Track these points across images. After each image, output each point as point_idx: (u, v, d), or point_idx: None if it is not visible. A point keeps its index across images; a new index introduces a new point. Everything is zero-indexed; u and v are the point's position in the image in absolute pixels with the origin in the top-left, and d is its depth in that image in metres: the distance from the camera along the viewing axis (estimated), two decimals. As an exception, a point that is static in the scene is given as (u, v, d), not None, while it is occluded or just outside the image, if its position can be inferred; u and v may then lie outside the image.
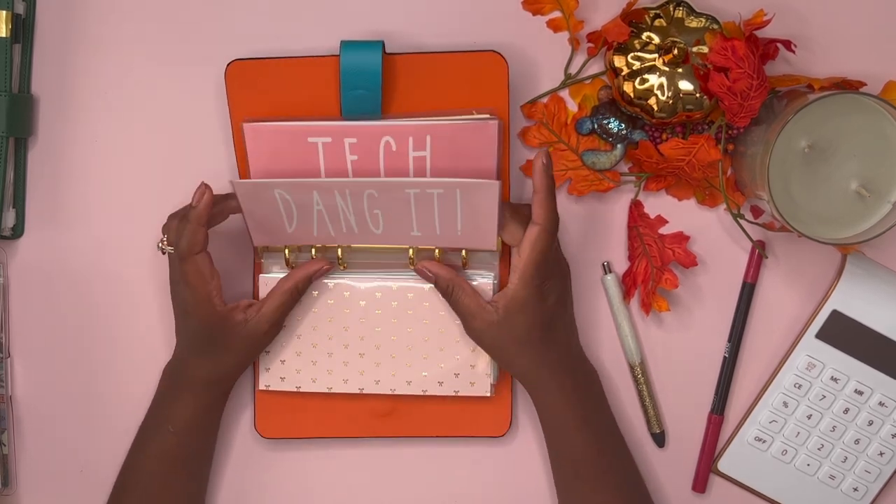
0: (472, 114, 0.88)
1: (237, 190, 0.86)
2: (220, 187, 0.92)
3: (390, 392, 0.91)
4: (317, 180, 0.85)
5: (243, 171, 0.90)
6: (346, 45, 0.87)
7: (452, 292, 0.87)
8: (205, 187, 0.85)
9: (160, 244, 0.87)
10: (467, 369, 0.91)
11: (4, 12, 0.90)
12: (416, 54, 0.88)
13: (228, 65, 0.88)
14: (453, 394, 0.91)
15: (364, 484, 0.96)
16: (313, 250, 0.90)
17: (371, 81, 0.87)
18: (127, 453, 0.91)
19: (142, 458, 0.90)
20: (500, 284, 0.90)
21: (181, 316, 0.88)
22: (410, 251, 0.89)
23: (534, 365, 0.87)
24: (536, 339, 0.86)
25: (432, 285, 0.90)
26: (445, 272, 0.88)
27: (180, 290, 0.87)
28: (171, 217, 0.88)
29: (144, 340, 0.94)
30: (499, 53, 0.87)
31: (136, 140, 0.94)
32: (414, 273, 0.90)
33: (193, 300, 0.86)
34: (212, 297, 0.87)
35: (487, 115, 0.87)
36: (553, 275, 0.87)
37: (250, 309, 0.88)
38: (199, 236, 0.85)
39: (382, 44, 0.87)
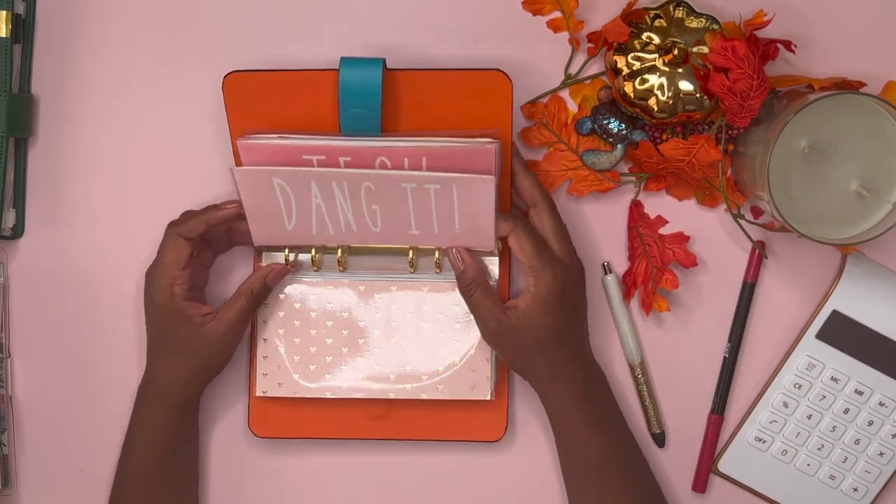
0: (475, 136, 0.86)
1: (237, 178, 0.85)
2: (220, 187, 0.92)
3: (389, 396, 0.91)
4: (314, 170, 0.85)
5: None
6: (345, 62, 0.85)
7: (475, 291, 0.87)
8: (238, 206, 0.87)
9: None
10: (467, 373, 0.91)
11: (4, 12, 0.90)
12: (419, 71, 0.86)
13: (225, 76, 0.87)
14: (452, 397, 0.91)
15: (357, 485, 0.95)
16: (313, 250, 0.90)
17: (370, 101, 0.85)
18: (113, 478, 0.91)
19: (124, 481, 0.90)
20: (500, 288, 0.90)
21: (148, 301, 0.88)
22: (410, 253, 0.89)
23: (552, 367, 0.87)
24: (556, 340, 0.86)
25: (430, 288, 0.90)
26: (475, 267, 0.87)
27: (153, 271, 0.88)
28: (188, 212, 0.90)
29: (144, 340, 0.94)
30: (503, 73, 0.85)
31: (137, 140, 0.93)
32: (413, 276, 0.90)
33: (158, 282, 0.87)
34: (174, 285, 0.87)
35: (487, 140, 0.85)
36: (571, 271, 0.87)
37: (210, 314, 0.89)
38: (198, 227, 0.87)
39: (383, 62, 0.85)
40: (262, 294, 0.89)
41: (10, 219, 0.93)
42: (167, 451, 0.90)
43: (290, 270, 0.90)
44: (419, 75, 0.86)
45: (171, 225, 0.88)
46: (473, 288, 0.87)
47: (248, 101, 0.87)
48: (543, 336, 0.86)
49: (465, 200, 0.85)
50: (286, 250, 0.90)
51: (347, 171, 0.85)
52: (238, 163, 0.88)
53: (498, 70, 0.85)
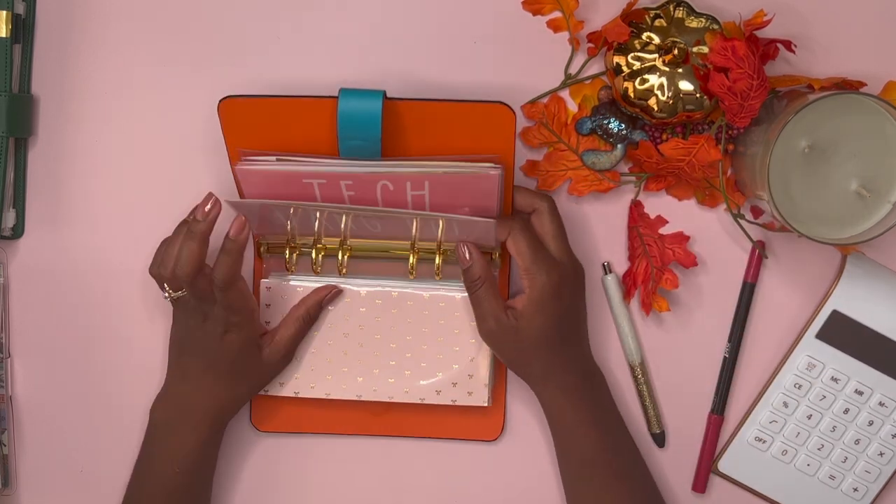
0: (478, 161, 0.84)
1: (234, 208, 0.85)
2: (220, 186, 0.92)
3: (388, 399, 0.91)
4: (314, 205, 0.85)
5: (240, 188, 0.88)
6: (344, 93, 0.83)
7: (480, 287, 0.87)
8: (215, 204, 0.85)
9: (167, 294, 0.86)
10: (465, 379, 0.91)
11: (4, 12, 0.90)
12: (420, 101, 0.84)
13: (221, 101, 0.84)
14: (450, 403, 0.91)
15: (356, 480, 0.96)
16: (314, 253, 0.90)
17: (370, 132, 0.83)
18: (126, 489, 0.90)
19: (140, 496, 0.89)
20: (499, 289, 0.90)
21: (217, 336, 0.86)
22: (411, 259, 0.89)
23: (548, 366, 0.87)
24: (552, 339, 0.86)
25: (432, 293, 0.90)
26: (483, 263, 0.87)
27: (220, 316, 0.85)
28: (159, 267, 0.86)
29: (144, 340, 0.94)
30: (506, 105, 0.83)
31: (137, 140, 0.93)
32: (414, 282, 0.90)
33: (242, 318, 0.86)
34: (255, 314, 0.88)
35: (490, 165, 0.84)
36: (567, 272, 0.87)
37: (265, 336, 0.89)
38: (239, 265, 0.85)
39: (383, 94, 0.83)
40: (316, 316, 0.90)
41: (10, 219, 0.93)
42: (192, 474, 0.88)
43: (343, 295, 0.91)
44: (420, 106, 0.84)
45: (216, 280, 0.84)
46: (479, 283, 0.87)
47: (245, 126, 0.85)
48: (539, 337, 0.86)
49: (466, 233, 0.86)
50: (287, 252, 0.90)
51: (348, 207, 0.85)
52: (238, 185, 0.87)
53: (501, 103, 0.83)
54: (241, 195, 0.87)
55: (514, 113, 0.83)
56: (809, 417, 0.92)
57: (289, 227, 0.88)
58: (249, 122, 0.85)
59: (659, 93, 0.87)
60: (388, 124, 0.84)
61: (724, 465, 0.94)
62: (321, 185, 0.85)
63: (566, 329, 0.87)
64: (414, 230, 0.87)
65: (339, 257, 0.90)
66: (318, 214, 0.87)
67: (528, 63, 0.92)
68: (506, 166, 0.85)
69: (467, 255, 0.87)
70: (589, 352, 0.91)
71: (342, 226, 0.88)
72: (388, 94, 0.83)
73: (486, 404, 0.91)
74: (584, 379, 0.89)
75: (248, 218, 0.87)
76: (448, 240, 0.89)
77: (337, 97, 0.83)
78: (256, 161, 0.85)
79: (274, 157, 0.85)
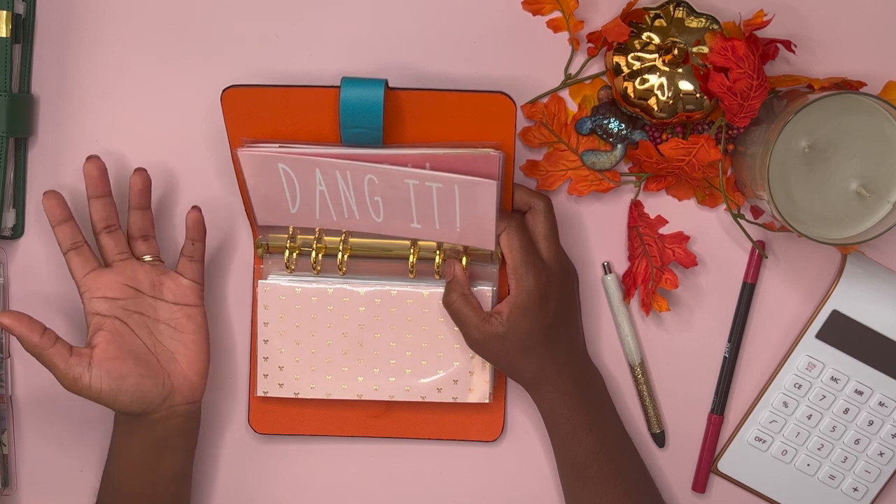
0: (479, 147, 0.85)
1: (242, 161, 0.85)
2: (221, 186, 0.92)
3: (389, 398, 0.92)
4: (318, 158, 0.84)
5: (241, 183, 0.88)
6: (347, 82, 0.84)
7: (455, 300, 0.87)
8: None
9: None
10: (466, 376, 0.91)
11: (4, 12, 0.90)
12: (422, 91, 0.84)
13: (224, 91, 0.85)
14: (452, 400, 0.91)
15: (355, 482, 0.95)
16: (314, 253, 0.90)
17: (372, 121, 0.84)
18: None
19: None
20: (500, 293, 0.90)
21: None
22: (412, 257, 0.89)
23: (539, 369, 0.87)
24: (541, 343, 0.86)
25: (431, 291, 0.90)
26: (463, 280, 0.88)
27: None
28: None
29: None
30: (507, 95, 0.83)
31: (136, 140, 0.93)
32: (414, 281, 0.90)
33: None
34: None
35: (491, 150, 0.85)
36: (554, 276, 0.87)
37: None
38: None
39: (385, 82, 0.84)
40: None
41: (10, 219, 0.93)
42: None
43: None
44: (422, 95, 0.84)
45: None
46: (454, 295, 0.88)
47: (248, 116, 0.85)
48: (526, 341, 0.86)
49: (466, 202, 0.85)
50: (287, 252, 0.90)
51: (350, 162, 0.84)
52: (238, 173, 0.87)
53: (501, 93, 0.83)
54: (242, 183, 0.87)
55: (514, 103, 0.83)
56: (809, 417, 0.92)
57: (291, 208, 0.88)
58: (252, 111, 0.85)
59: (659, 93, 0.87)
60: (389, 114, 0.84)
61: (724, 465, 0.94)
62: (322, 170, 0.85)
63: (556, 331, 0.87)
64: (414, 216, 0.87)
65: (340, 256, 0.90)
66: (319, 199, 0.87)
67: (528, 63, 0.92)
68: (506, 157, 0.85)
69: (451, 268, 0.89)
70: (585, 352, 0.91)
71: (344, 211, 0.87)
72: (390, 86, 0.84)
73: (487, 401, 0.91)
74: (579, 380, 0.89)
75: (255, 202, 0.87)
76: (447, 239, 0.89)
77: (339, 87, 0.83)
78: (258, 147, 0.85)
79: (276, 145, 0.85)
